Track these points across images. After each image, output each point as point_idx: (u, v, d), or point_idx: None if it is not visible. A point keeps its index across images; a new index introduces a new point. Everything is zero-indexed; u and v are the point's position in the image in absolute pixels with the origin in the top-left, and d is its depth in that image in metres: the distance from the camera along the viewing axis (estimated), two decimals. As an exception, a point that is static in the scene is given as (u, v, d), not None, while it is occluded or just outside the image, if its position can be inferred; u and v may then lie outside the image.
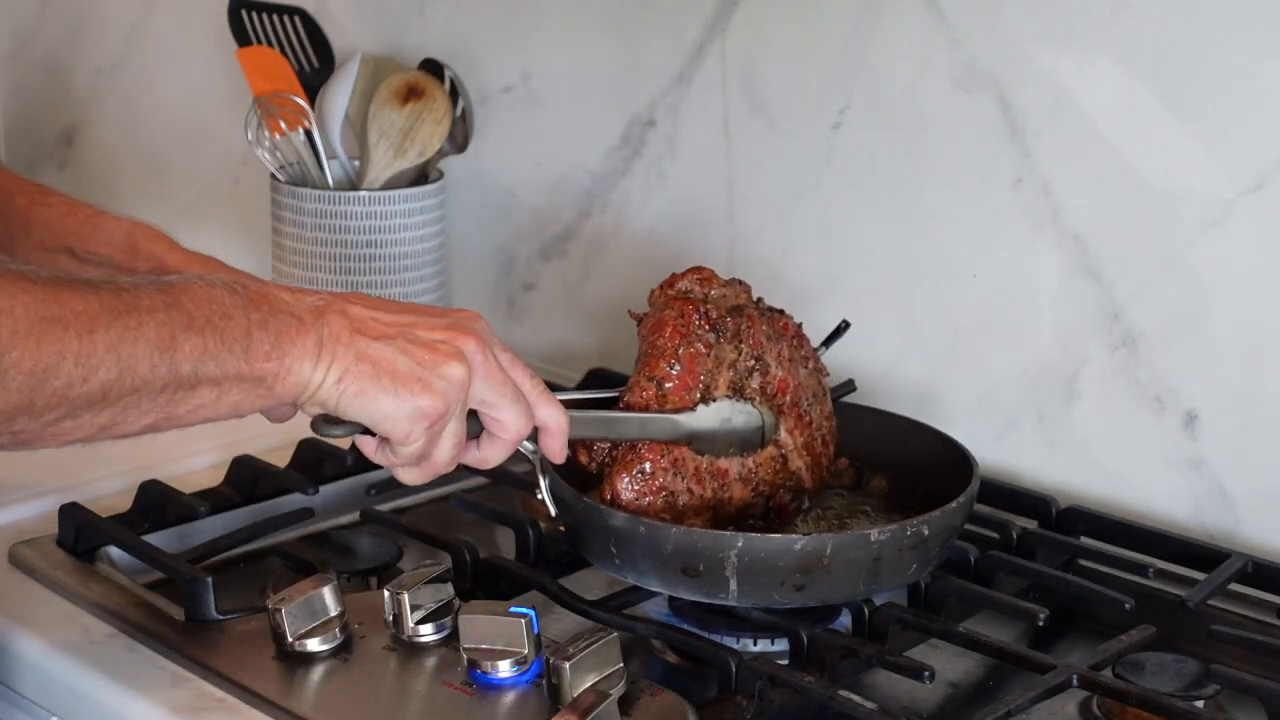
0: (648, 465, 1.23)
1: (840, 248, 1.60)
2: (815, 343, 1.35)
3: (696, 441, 1.25)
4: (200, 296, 1.01)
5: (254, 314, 1.03)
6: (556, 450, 1.16)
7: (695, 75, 1.68)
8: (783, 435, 1.29)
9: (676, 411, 1.24)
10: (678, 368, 1.24)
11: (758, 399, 1.27)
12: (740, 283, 1.32)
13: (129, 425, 1.01)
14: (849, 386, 1.46)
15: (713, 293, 1.30)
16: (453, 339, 1.09)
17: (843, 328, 1.38)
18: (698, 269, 1.31)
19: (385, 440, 1.10)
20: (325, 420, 1.08)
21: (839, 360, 1.42)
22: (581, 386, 1.62)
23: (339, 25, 1.94)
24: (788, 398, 1.29)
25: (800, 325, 1.32)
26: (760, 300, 1.32)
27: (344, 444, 1.48)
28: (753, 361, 1.27)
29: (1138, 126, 1.40)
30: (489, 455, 1.14)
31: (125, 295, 0.99)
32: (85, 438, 1.01)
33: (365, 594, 1.26)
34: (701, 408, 1.25)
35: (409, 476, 1.12)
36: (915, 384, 1.49)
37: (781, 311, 1.32)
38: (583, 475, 1.25)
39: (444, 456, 1.10)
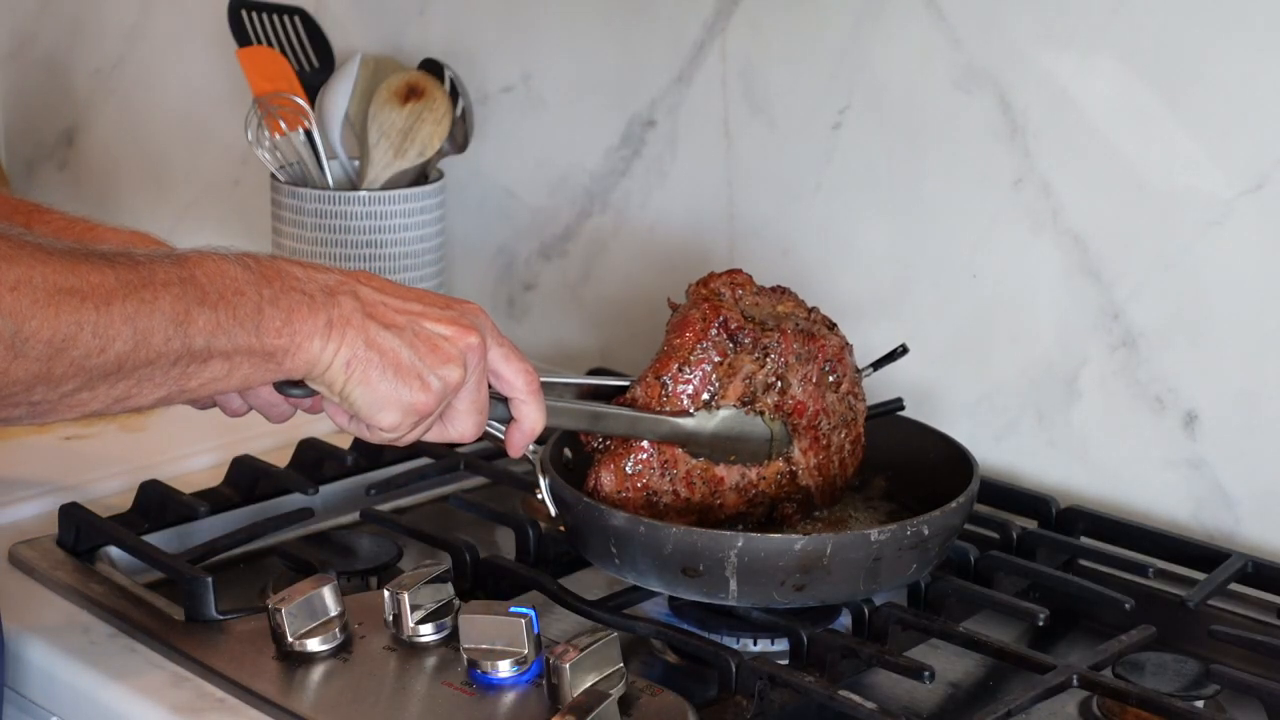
0: (635, 461, 1.23)
1: (840, 248, 1.60)
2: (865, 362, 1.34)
3: (692, 445, 1.25)
4: (213, 271, 1.03)
5: (266, 290, 1.05)
6: (513, 445, 1.18)
7: (695, 75, 1.68)
8: (796, 453, 1.28)
9: (672, 414, 1.24)
10: (687, 371, 1.24)
11: (769, 413, 1.27)
12: (784, 291, 1.31)
13: (143, 397, 1.03)
14: (896, 404, 1.41)
15: (745, 299, 1.28)
16: (457, 337, 1.10)
17: (898, 352, 1.37)
18: (734, 272, 1.29)
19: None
20: (290, 383, 1.10)
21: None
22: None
23: (339, 25, 1.94)
24: (804, 420, 1.28)
25: (846, 347, 1.30)
26: (814, 311, 1.31)
27: (344, 443, 1.49)
28: (774, 379, 1.26)
29: (1138, 126, 1.40)
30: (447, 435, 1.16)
31: (141, 268, 1.00)
32: (100, 409, 1.02)
33: (365, 594, 1.26)
34: (702, 413, 1.24)
35: (369, 437, 1.14)
36: (915, 384, 1.49)
37: (833, 326, 1.31)
38: (583, 476, 1.25)
39: (410, 439, 1.13)
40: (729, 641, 1.21)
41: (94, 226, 1.35)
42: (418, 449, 1.48)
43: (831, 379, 1.29)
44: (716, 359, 1.24)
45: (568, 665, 1.07)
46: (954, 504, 1.22)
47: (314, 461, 1.49)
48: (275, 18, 1.83)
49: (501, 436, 1.18)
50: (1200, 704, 1.14)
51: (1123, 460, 1.45)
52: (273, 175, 1.81)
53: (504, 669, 1.11)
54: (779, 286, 1.31)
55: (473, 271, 1.92)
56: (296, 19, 1.84)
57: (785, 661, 1.19)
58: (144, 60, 2.28)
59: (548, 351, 1.84)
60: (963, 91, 1.49)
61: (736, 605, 1.20)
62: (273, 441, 1.50)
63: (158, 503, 1.40)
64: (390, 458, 1.50)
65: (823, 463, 1.29)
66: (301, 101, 1.78)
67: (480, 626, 1.12)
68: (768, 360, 1.25)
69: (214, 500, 1.42)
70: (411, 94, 1.79)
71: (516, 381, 1.15)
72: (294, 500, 1.42)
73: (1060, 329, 1.47)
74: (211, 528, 1.38)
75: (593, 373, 1.71)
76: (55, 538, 1.35)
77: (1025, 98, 1.45)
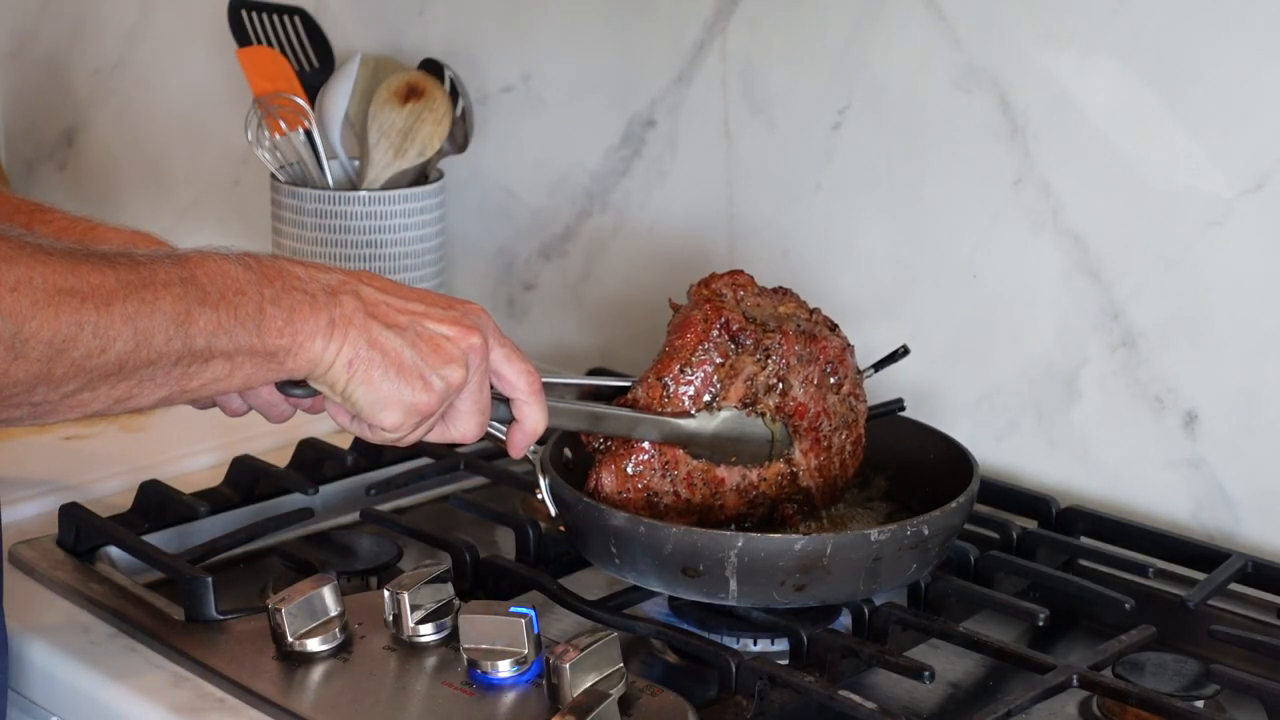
0: (636, 462, 1.23)
1: (840, 248, 1.60)
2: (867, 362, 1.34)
3: (693, 446, 1.24)
4: (214, 271, 1.03)
5: (267, 290, 1.04)
6: (515, 446, 1.18)
7: (695, 75, 1.68)
8: (796, 454, 1.28)
9: (673, 415, 1.24)
10: (689, 372, 1.24)
11: (770, 414, 1.27)
12: (786, 293, 1.30)
13: (144, 398, 1.02)
14: (897, 405, 1.41)
15: (746, 300, 1.28)
16: (459, 338, 1.10)
17: (900, 353, 1.36)
18: (736, 273, 1.29)
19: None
20: (291, 383, 1.10)
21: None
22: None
23: (339, 25, 1.94)
24: (805, 422, 1.28)
25: (848, 349, 1.30)
26: (816, 312, 1.30)
27: (344, 443, 1.49)
28: (776, 380, 1.25)
29: (1138, 126, 1.40)
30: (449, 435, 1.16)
31: (141, 269, 1.00)
32: (102, 410, 1.02)
33: (365, 594, 1.26)
34: (703, 415, 1.24)
35: (370, 437, 1.13)
36: (915, 384, 1.49)
37: (835, 328, 1.31)
38: (583, 476, 1.25)
39: (412, 439, 1.13)
40: (729, 641, 1.21)
41: (95, 226, 1.35)
42: (418, 449, 1.48)
43: (833, 380, 1.29)
44: (718, 360, 1.24)
45: (568, 665, 1.07)
46: (954, 504, 1.22)
47: (314, 461, 1.49)
48: (275, 18, 1.83)
49: (503, 437, 1.18)
50: (1200, 704, 1.14)
51: (1123, 460, 1.45)
52: (273, 175, 1.81)
53: (504, 669, 1.12)
54: (780, 287, 1.31)
55: (473, 271, 1.92)
56: (296, 19, 1.84)
57: (785, 661, 1.19)
58: (144, 60, 2.28)
59: (548, 351, 1.84)
60: (963, 91, 1.49)
61: (736, 605, 1.20)
62: (273, 441, 1.50)
63: (158, 503, 1.40)
64: (390, 458, 1.50)
65: (823, 464, 1.29)
66: (301, 101, 1.78)
67: (480, 626, 1.12)
68: (769, 362, 1.25)
69: (214, 500, 1.42)
70: (411, 94, 1.79)
71: (518, 382, 1.15)
72: (294, 500, 1.42)
73: (1060, 329, 1.47)
74: (211, 528, 1.38)
75: (593, 373, 1.71)
76: (55, 538, 1.35)
77: (1025, 98, 1.45)
